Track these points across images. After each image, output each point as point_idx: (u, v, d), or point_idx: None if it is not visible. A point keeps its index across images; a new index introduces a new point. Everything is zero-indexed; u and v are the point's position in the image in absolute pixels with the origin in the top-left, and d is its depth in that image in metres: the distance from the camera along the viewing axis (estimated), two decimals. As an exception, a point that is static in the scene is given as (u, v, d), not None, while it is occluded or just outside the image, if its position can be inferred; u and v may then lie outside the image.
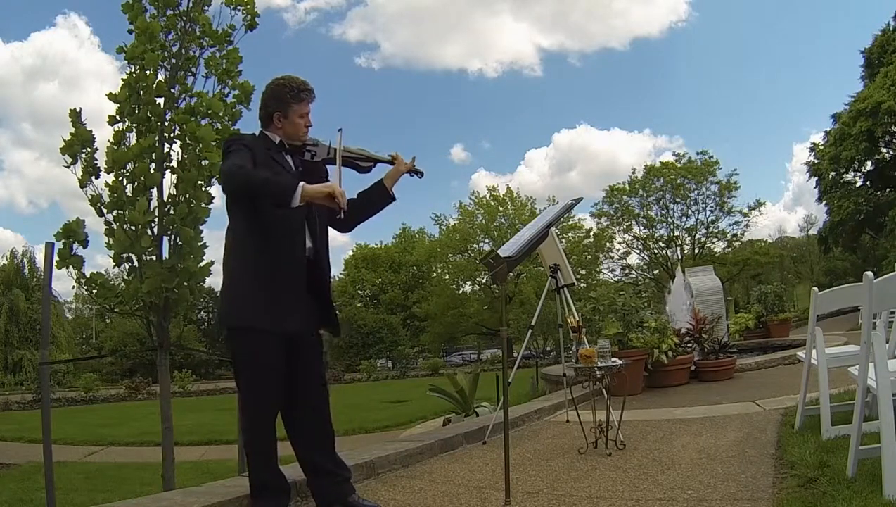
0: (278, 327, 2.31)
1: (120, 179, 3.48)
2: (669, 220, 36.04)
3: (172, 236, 3.56)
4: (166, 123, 3.60)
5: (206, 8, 3.83)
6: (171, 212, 3.52)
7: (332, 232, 2.64)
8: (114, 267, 3.54)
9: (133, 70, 3.55)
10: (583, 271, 33.76)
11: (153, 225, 3.51)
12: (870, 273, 2.30)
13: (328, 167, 2.57)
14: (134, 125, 3.56)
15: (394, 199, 2.68)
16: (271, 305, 2.30)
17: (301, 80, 2.50)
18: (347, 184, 2.48)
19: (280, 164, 2.45)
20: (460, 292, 38.65)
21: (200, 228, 3.59)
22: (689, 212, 35.58)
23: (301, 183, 2.17)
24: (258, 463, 2.39)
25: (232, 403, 4.04)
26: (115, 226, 3.47)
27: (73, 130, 3.50)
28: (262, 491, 2.39)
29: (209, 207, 3.61)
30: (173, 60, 3.69)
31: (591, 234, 36.67)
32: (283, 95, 2.47)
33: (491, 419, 4.45)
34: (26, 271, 36.88)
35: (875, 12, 50.18)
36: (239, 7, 3.86)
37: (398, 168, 2.63)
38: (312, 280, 2.44)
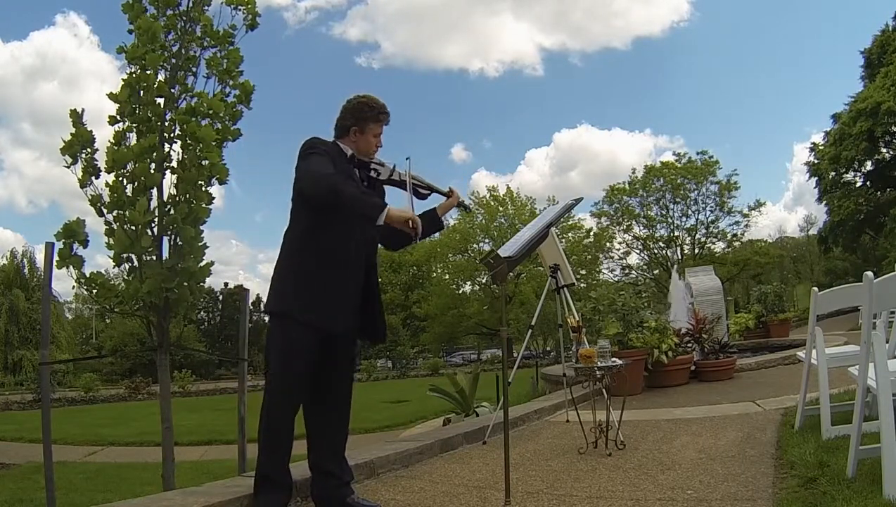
0: (315, 322, 2.38)
1: (120, 179, 3.46)
2: (669, 220, 36.08)
3: (172, 236, 3.55)
4: (166, 124, 3.59)
5: (206, 8, 3.82)
6: (171, 212, 3.51)
7: None
8: (114, 267, 3.53)
9: (133, 70, 3.54)
10: (583, 271, 33.74)
11: (153, 225, 3.50)
12: (870, 273, 2.30)
13: (392, 191, 2.74)
14: (134, 125, 3.56)
15: (443, 227, 2.95)
16: (314, 301, 2.39)
17: (382, 102, 2.65)
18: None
19: (351, 176, 2.55)
20: (460, 292, 38.60)
21: (201, 228, 3.59)
22: (689, 212, 35.63)
23: (388, 206, 2.31)
24: (267, 454, 2.41)
25: (232, 403, 4.04)
26: (115, 226, 3.45)
27: (73, 130, 3.49)
28: (265, 483, 2.40)
29: (209, 207, 3.60)
30: (173, 60, 3.69)
31: (591, 234, 36.66)
32: (364, 112, 2.60)
33: (491, 419, 4.45)
34: (26, 271, 36.89)
35: (875, 12, 50.35)
36: (240, 7, 3.85)
37: (451, 201, 2.84)
38: (362, 288, 2.56)
